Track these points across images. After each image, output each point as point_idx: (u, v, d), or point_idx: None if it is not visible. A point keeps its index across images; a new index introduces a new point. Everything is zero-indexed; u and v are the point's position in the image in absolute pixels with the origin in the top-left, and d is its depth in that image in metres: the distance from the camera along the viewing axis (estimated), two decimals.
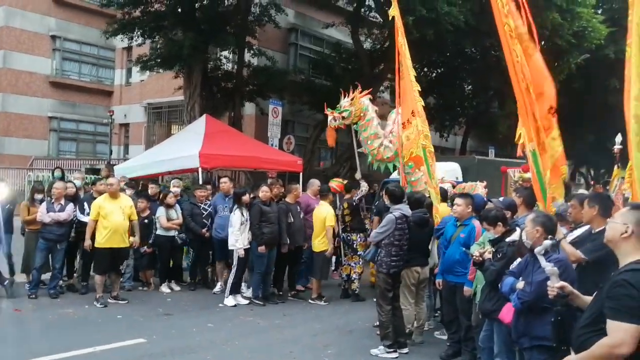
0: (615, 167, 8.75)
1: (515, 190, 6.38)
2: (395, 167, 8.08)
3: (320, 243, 8.06)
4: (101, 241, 7.37)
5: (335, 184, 8.76)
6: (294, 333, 6.51)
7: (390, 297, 5.77)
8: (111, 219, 7.36)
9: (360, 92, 7.95)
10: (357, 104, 7.82)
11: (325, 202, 8.29)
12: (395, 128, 7.79)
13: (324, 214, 8.06)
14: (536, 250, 3.43)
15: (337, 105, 7.97)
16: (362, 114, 7.82)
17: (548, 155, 4.27)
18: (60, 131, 23.18)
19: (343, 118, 7.86)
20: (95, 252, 7.53)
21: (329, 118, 8.00)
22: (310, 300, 8.06)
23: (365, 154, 8.18)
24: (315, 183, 8.93)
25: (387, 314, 5.69)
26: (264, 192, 7.84)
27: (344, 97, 7.96)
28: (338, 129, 8.14)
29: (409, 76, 7.08)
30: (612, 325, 2.44)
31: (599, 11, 18.90)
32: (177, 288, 8.52)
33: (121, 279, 8.31)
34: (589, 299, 2.94)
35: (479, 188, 7.95)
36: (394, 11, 7.26)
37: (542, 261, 3.26)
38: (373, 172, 10.58)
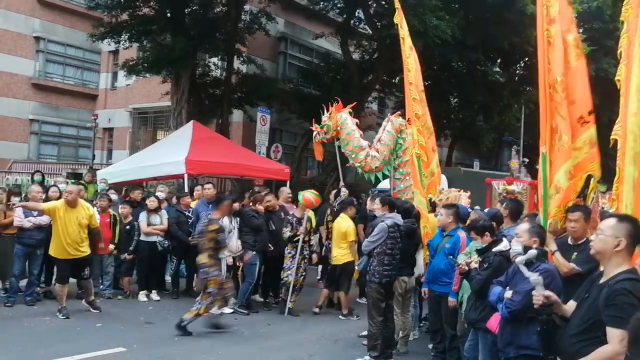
0: (592, 180, 8.82)
1: (501, 202, 6.42)
2: (385, 176, 8.10)
3: (342, 255, 7.74)
4: (57, 252, 6.94)
5: (311, 195, 7.73)
6: (279, 342, 6.43)
7: (383, 307, 5.70)
8: (66, 231, 6.83)
9: (343, 106, 8.03)
10: (334, 118, 7.86)
11: (346, 216, 7.83)
12: (384, 136, 7.83)
13: (344, 227, 7.72)
14: (517, 260, 3.43)
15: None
16: (338, 128, 7.85)
17: (566, 160, 4.40)
18: (42, 134, 22.79)
19: (325, 133, 7.93)
20: (54, 261, 7.21)
21: (314, 133, 8.08)
22: (341, 317, 7.74)
23: (352, 167, 8.16)
24: (285, 191, 9.03)
25: (378, 326, 5.63)
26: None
27: (325, 111, 8.00)
28: (324, 142, 8.20)
29: (407, 84, 7.19)
30: (614, 333, 2.44)
31: (580, 30, 19.29)
32: (156, 298, 8.28)
33: (101, 287, 8.14)
34: (570, 307, 2.94)
35: (463, 198, 7.98)
36: (398, 18, 7.36)
37: (525, 271, 3.26)
38: (360, 182, 10.59)
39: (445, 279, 5.51)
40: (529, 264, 3.51)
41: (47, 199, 7.82)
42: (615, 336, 2.44)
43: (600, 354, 2.48)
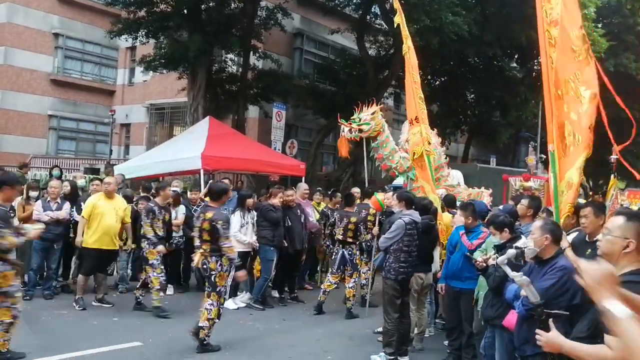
0: (612, 177, 8.73)
1: (514, 198, 6.36)
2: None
3: None
4: (89, 241, 7.08)
5: (383, 198, 7.53)
6: (294, 338, 6.43)
7: (399, 304, 5.67)
8: (103, 220, 7.07)
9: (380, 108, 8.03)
10: (377, 119, 7.64)
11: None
12: (410, 136, 7.81)
13: None
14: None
15: (353, 117, 7.66)
16: (380, 130, 7.73)
17: (577, 158, 4.50)
18: (60, 130, 23.08)
19: (360, 131, 7.58)
20: (82, 252, 7.32)
21: (345, 130, 7.70)
22: None
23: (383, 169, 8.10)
24: (302, 186, 9.02)
25: (394, 322, 5.60)
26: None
27: (361, 110, 7.71)
28: (352, 140, 8.00)
29: (412, 83, 7.15)
30: (610, 339, 2.24)
31: (599, 25, 18.99)
32: (170, 292, 8.24)
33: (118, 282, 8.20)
34: None
35: (485, 196, 7.92)
36: (399, 19, 7.30)
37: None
38: (376, 179, 10.55)
39: (467, 274, 5.43)
40: (550, 259, 3.50)
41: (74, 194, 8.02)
42: (610, 343, 2.23)
43: (598, 352, 2.30)
